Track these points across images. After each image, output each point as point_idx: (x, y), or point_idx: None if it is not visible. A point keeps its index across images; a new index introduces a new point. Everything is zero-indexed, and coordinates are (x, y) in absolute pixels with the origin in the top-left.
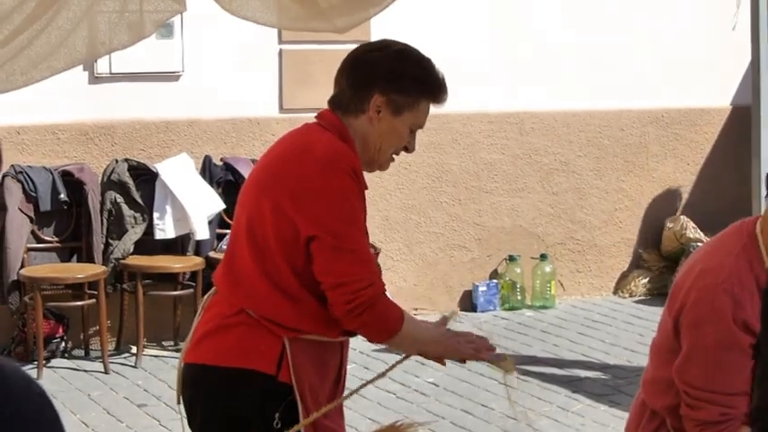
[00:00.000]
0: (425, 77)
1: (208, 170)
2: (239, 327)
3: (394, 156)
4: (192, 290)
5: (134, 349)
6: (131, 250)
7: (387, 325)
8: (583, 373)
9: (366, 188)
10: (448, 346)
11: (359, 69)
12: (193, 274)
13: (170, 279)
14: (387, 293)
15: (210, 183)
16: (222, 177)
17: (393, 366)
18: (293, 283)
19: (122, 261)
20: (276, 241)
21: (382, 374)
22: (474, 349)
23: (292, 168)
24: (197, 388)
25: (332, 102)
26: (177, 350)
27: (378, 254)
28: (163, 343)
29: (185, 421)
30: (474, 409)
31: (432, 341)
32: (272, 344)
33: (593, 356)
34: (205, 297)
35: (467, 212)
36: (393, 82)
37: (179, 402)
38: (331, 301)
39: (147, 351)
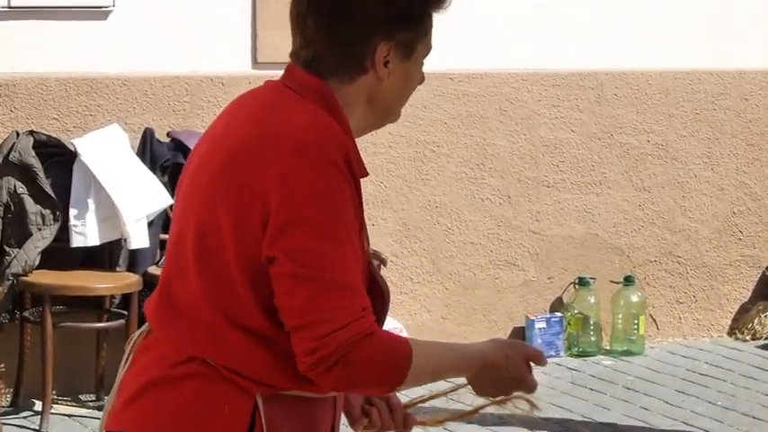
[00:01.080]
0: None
1: (149, 149)
2: (191, 380)
3: None
4: (122, 320)
5: (38, 405)
6: (37, 263)
7: (379, 377)
8: None
9: (364, 175)
10: (504, 372)
11: (345, 16)
12: (125, 299)
13: (92, 305)
14: (379, 328)
15: (152, 168)
16: (169, 159)
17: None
18: (265, 320)
19: (23, 278)
20: (240, 264)
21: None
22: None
23: (260, 161)
24: None
25: (304, 60)
26: (100, 407)
27: (380, 266)
28: (80, 397)
29: None
30: None
31: (463, 369)
32: (240, 404)
33: (699, 425)
34: (134, 336)
35: (519, 215)
36: (397, 17)
37: None
38: (293, 350)
39: (58, 408)
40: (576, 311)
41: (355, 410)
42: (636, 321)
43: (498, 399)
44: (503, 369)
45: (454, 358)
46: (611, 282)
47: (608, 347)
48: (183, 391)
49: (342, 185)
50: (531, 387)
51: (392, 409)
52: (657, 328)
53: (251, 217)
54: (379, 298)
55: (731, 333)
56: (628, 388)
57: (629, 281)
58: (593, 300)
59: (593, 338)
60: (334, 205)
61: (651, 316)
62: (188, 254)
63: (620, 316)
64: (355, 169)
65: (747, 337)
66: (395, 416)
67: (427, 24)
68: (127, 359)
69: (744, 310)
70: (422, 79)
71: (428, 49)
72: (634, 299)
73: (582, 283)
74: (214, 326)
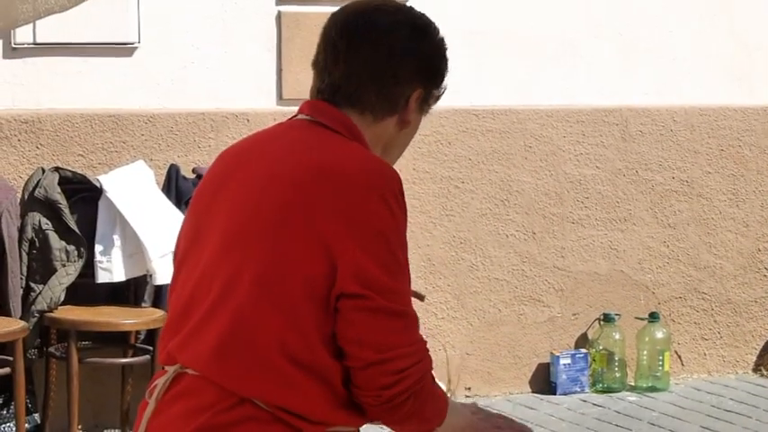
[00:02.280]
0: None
1: (174, 185)
2: (246, 424)
3: None
4: (148, 356)
5: None
6: (62, 299)
7: (430, 417)
8: None
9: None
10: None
11: (391, 56)
12: (151, 334)
13: (118, 340)
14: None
15: (178, 204)
16: None
17: None
18: (322, 356)
19: (49, 314)
20: (307, 302)
21: None
22: None
23: (325, 195)
24: None
25: (335, 94)
26: None
27: (422, 299)
28: None
29: None
30: None
31: (466, 427)
32: None
33: None
34: (159, 382)
35: (544, 251)
36: (433, 72)
37: None
38: (359, 384)
39: None
40: (600, 348)
41: None
42: (661, 358)
43: None
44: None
45: (458, 418)
46: (636, 318)
47: (633, 384)
48: None
49: (401, 216)
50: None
51: None
52: (682, 365)
53: (319, 256)
54: None
55: (756, 369)
56: (653, 424)
57: (654, 317)
58: (617, 336)
59: (617, 374)
60: (401, 238)
61: (676, 352)
62: (241, 294)
63: (645, 352)
64: (403, 199)
65: None
66: None
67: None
68: (155, 402)
69: None
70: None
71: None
72: (659, 335)
73: (607, 319)
74: (271, 364)
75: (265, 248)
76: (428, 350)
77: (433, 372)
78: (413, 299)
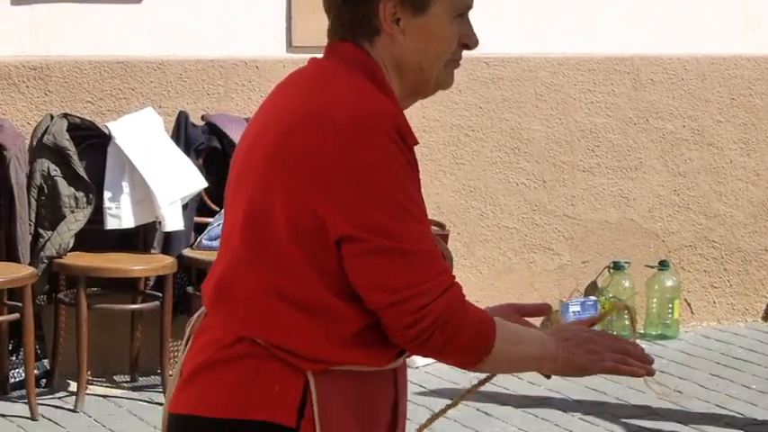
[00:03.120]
0: None
1: (183, 133)
2: (242, 360)
3: (456, 61)
4: (157, 302)
5: (74, 386)
6: (71, 245)
7: (472, 345)
8: None
9: (415, 142)
10: (574, 363)
11: None
12: (160, 281)
13: (127, 287)
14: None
15: (187, 151)
16: (204, 143)
17: (472, 389)
18: (318, 293)
19: (58, 260)
20: (293, 238)
21: (454, 403)
22: (619, 361)
23: (309, 139)
24: None
25: (334, 32)
26: (135, 388)
27: (447, 236)
28: (115, 378)
29: None
30: None
31: (544, 358)
32: (291, 382)
33: (734, 409)
34: (193, 318)
35: (554, 200)
36: None
37: None
38: (386, 324)
39: (93, 389)
40: (610, 295)
41: None
42: (670, 306)
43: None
44: (573, 335)
45: (531, 332)
46: (646, 266)
47: (642, 331)
48: (235, 371)
49: (398, 155)
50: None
51: None
52: (692, 313)
53: (304, 196)
54: None
55: (765, 318)
56: (662, 371)
57: (663, 265)
58: (627, 284)
59: (627, 323)
60: (397, 177)
61: (686, 300)
62: (237, 235)
63: (654, 300)
64: (407, 137)
65: None
66: None
67: None
68: (187, 341)
69: None
70: (472, 41)
71: (457, 2)
72: (669, 283)
73: (617, 267)
74: (263, 304)
75: (253, 194)
76: (454, 281)
77: (465, 299)
78: (438, 231)
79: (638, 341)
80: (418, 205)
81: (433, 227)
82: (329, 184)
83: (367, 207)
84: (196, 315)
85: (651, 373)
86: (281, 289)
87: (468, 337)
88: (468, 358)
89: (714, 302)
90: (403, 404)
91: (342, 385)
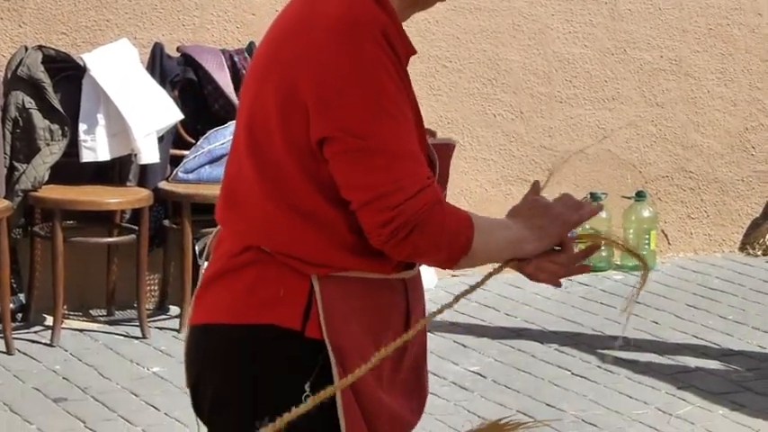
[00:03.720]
0: None
1: (158, 64)
2: (250, 267)
3: None
4: (134, 235)
5: (50, 320)
6: (46, 178)
7: (451, 244)
8: (694, 363)
9: (410, 52)
10: (548, 233)
11: None
12: (136, 214)
13: (102, 220)
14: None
15: (162, 83)
16: (179, 75)
17: (476, 287)
18: (316, 201)
19: (33, 194)
20: (286, 146)
21: (455, 300)
22: (580, 213)
23: (298, 44)
24: (198, 359)
25: None
26: (111, 322)
27: (453, 147)
28: (91, 312)
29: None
30: (535, 409)
31: (519, 240)
32: (296, 286)
33: (710, 339)
34: (212, 236)
35: (531, 131)
36: None
37: (188, 385)
38: (363, 225)
39: (69, 323)
40: (587, 226)
41: None
42: (647, 236)
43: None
44: (547, 208)
45: (501, 220)
46: (623, 197)
47: (619, 262)
48: (243, 278)
49: (382, 58)
50: (584, 207)
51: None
52: (669, 244)
53: (292, 100)
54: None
55: (742, 248)
56: (638, 302)
57: (640, 196)
58: (604, 215)
59: (604, 253)
60: (377, 78)
61: (663, 231)
62: (242, 146)
63: (631, 231)
64: (396, 44)
65: (759, 253)
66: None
67: None
68: (206, 258)
69: (755, 225)
70: None
71: None
72: (646, 214)
73: (594, 198)
74: (266, 212)
75: (251, 104)
76: (430, 182)
77: (443, 201)
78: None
79: (613, 274)
80: (399, 107)
81: (428, 137)
82: (312, 87)
83: (344, 107)
84: (214, 232)
85: (600, 208)
86: (283, 196)
87: (447, 237)
88: (447, 258)
89: (691, 233)
90: (416, 314)
91: (346, 290)
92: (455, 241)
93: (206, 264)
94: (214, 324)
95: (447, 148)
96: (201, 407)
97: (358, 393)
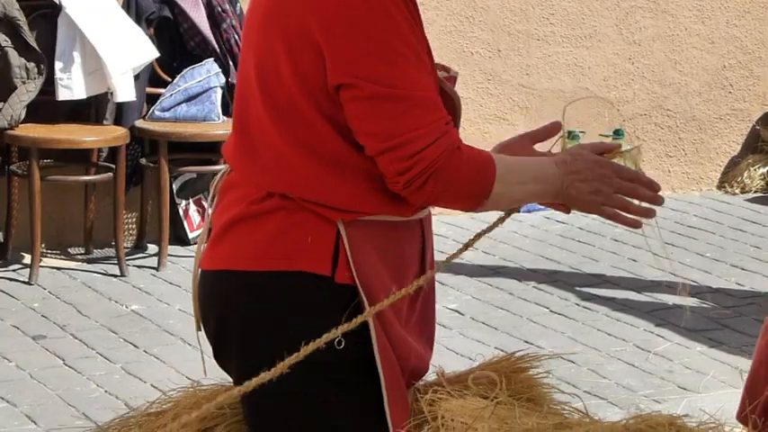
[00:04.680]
0: None
1: (134, 2)
2: (274, 214)
3: None
4: (110, 173)
5: (27, 259)
6: (23, 116)
7: (470, 190)
8: (671, 300)
9: None
10: (574, 199)
11: None
12: (113, 152)
13: (79, 158)
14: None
15: (138, 21)
16: (155, 12)
17: (489, 229)
18: (336, 144)
19: (9, 132)
20: (300, 89)
21: (470, 243)
22: (620, 207)
23: None
24: (221, 304)
25: None
26: (89, 260)
27: (455, 79)
28: (69, 250)
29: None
30: (514, 347)
31: (546, 193)
32: (323, 232)
33: (688, 276)
34: (217, 177)
35: (509, 69)
36: None
37: (199, 329)
38: (382, 171)
39: (47, 261)
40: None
41: None
42: None
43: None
44: (584, 168)
45: (533, 168)
46: (601, 135)
47: None
48: (268, 224)
49: (398, 3)
50: (626, 174)
51: None
52: None
53: (302, 41)
54: (450, 111)
55: (720, 186)
56: (615, 240)
57: (618, 134)
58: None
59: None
60: (390, 17)
61: (640, 169)
62: (253, 90)
63: None
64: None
65: (736, 191)
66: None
67: None
68: (212, 199)
69: (733, 163)
70: None
71: None
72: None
73: (571, 136)
74: (288, 159)
75: (257, 47)
76: (449, 127)
77: (461, 145)
78: (446, 74)
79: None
80: (414, 48)
81: (439, 71)
82: (323, 27)
83: (361, 53)
84: (219, 173)
85: (651, 215)
86: (304, 142)
87: (466, 182)
88: (467, 203)
89: (669, 171)
90: (430, 254)
91: (371, 234)
92: (474, 187)
93: (212, 205)
94: (239, 271)
95: (452, 81)
96: (227, 352)
97: (389, 336)
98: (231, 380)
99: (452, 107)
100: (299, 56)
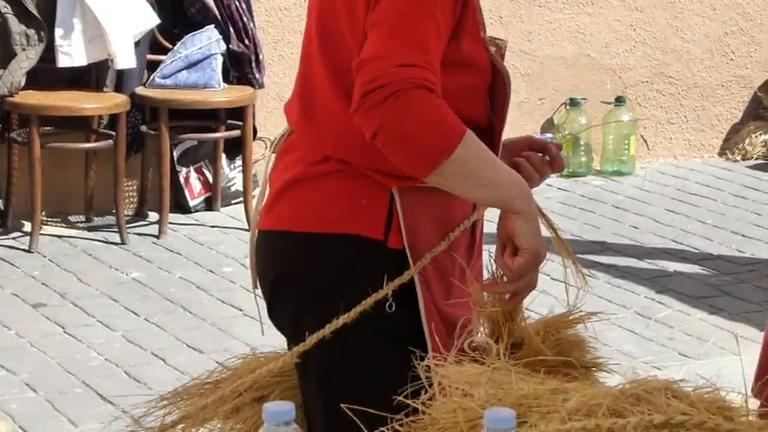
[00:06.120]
0: None
1: None
2: (331, 177)
3: None
4: (111, 141)
5: (27, 226)
6: (23, 83)
7: (428, 137)
8: (672, 267)
9: None
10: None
11: None
12: (113, 119)
13: (80, 125)
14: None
15: None
16: None
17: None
18: None
19: (10, 99)
20: (356, 44)
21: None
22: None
23: None
24: (278, 263)
25: None
26: (90, 228)
27: (504, 50)
28: (69, 218)
29: (264, 312)
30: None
31: (504, 193)
32: (378, 197)
33: (688, 243)
34: (277, 138)
35: (511, 35)
36: None
37: (255, 287)
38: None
39: (48, 229)
40: (566, 132)
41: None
42: (627, 142)
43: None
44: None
45: (501, 164)
46: (603, 102)
47: (598, 168)
48: (324, 187)
49: None
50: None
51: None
52: (648, 149)
53: (361, 2)
54: (500, 84)
55: (722, 153)
56: (618, 207)
57: (620, 101)
58: (584, 120)
59: (583, 159)
60: None
61: (642, 136)
62: (315, 52)
63: (610, 137)
64: None
65: (738, 158)
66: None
67: None
68: (269, 160)
69: (735, 130)
70: None
71: None
72: (625, 119)
73: (573, 103)
74: (345, 124)
75: (323, 4)
76: (431, 69)
77: (436, 96)
78: (495, 48)
79: (593, 179)
80: (433, 13)
81: (491, 47)
82: None
83: (384, 2)
84: (279, 134)
85: (506, 306)
86: None
87: (427, 124)
88: (421, 157)
89: (671, 138)
90: (480, 227)
91: (423, 200)
92: (434, 138)
93: (271, 168)
94: (294, 232)
95: (501, 54)
96: (281, 309)
97: (436, 303)
98: (284, 347)
99: (502, 83)
100: (359, 15)
